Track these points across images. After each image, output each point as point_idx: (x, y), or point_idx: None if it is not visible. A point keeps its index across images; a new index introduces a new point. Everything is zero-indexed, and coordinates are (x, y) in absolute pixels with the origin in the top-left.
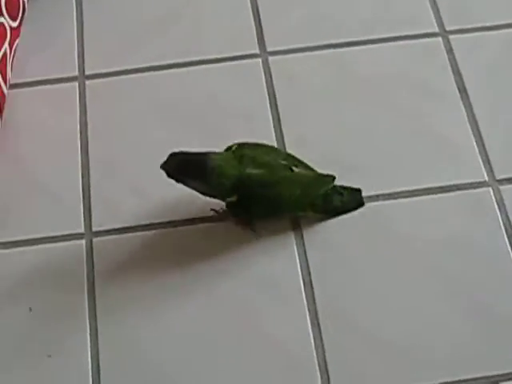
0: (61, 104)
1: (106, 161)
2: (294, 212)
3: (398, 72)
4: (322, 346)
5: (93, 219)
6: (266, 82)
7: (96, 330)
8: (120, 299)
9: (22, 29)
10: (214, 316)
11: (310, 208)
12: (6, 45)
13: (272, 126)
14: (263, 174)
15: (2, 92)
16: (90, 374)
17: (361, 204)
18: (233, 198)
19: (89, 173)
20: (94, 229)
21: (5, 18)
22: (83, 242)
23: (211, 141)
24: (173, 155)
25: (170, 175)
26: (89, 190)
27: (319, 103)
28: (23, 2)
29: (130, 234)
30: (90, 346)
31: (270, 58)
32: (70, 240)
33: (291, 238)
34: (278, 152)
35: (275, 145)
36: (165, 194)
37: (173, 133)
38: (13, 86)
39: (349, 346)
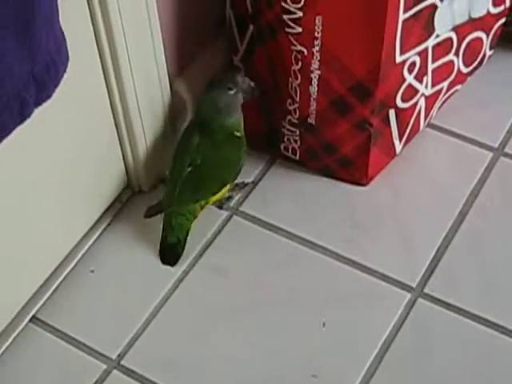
0: (464, 165)
1: (476, 238)
2: None
3: None
4: None
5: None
6: None
7: None
8: None
9: (472, 80)
10: None
11: None
12: (446, 83)
13: None
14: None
15: (419, 123)
16: None
17: None
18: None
19: (450, 241)
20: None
21: (458, 60)
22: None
23: None
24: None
25: None
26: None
27: None
28: (482, 57)
29: None
30: None
31: None
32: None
33: None
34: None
35: None
36: None
37: None
38: (431, 126)
39: None
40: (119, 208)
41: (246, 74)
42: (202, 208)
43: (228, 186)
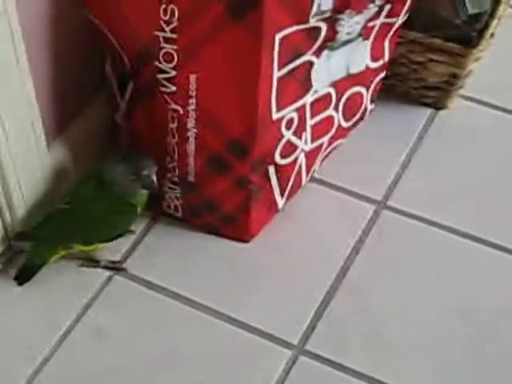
0: (347, 219)
1: (358, 293)
2: None
3: None
4: None
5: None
6: None
7: None
8: None
9: (355, 134)
10: None
11: None
12: (326, 138)
13: None
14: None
15: (301, 178)
16: None
17: None
18: None
19: (332, 296)
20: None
21: (338, 115)
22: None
23: None
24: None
25: None
26: (322, 313)
27: None
28: (363, 111)
29: None
30: None
31: None
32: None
33: None
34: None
35: None
36: None
37: None
38: (314, 180)
39: None
40: None
41: (127, 132)
42: (65, 250)
43: (99, 246)
